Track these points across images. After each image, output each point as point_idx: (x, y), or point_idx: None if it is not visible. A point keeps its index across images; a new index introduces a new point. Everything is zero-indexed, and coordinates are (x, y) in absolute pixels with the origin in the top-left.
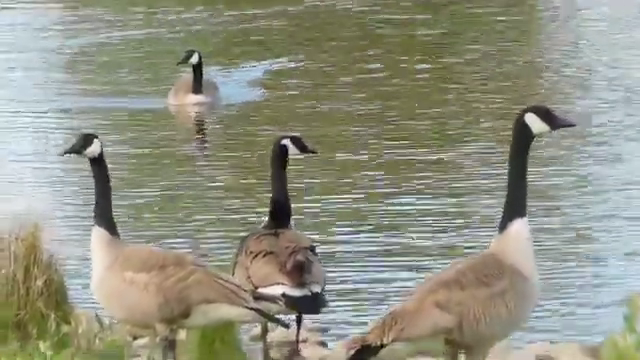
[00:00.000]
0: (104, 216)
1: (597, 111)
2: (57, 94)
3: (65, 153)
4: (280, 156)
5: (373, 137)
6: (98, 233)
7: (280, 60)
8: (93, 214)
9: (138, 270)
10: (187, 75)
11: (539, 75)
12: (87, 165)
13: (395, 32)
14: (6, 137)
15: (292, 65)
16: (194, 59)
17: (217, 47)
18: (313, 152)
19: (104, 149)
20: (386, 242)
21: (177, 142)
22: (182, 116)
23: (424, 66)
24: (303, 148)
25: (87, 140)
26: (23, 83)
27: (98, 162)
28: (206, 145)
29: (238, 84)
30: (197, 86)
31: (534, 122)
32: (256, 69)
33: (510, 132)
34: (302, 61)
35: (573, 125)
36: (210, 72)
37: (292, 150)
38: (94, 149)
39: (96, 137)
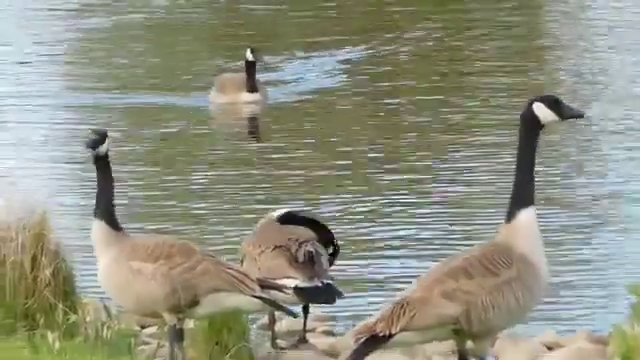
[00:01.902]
0: (106, 210)
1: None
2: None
3: (89, 147)
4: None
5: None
6: (100, 227)
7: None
8: (95, 208)
9: (145, 260)
10: (228, 74)
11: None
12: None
13: None
14: (14, 127)
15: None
16: (249, 55)
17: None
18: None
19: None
20: (396, 232)
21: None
22: (233, 114)
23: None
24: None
25: (103, 137)
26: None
27: (104, 158)
28: (254, 145)
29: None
30: (252, 84)
31: (543, 112)
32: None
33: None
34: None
35: (582, 115)
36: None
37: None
38: (106, 146)
39: (107, 134)
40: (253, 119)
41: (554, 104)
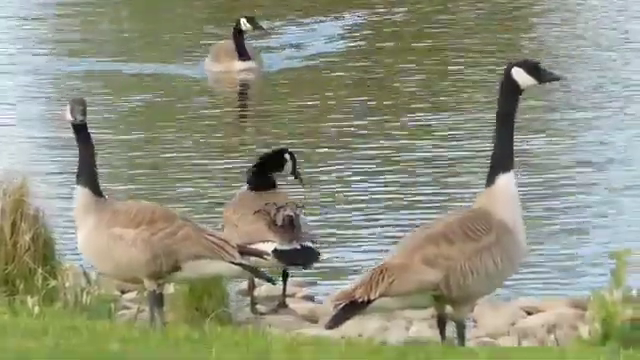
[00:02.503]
0: (88, 177)
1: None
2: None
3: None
4: (275, 163)
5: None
6: (82, 193)
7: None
8: (76, 175)
9: (126, 225)
10: (224, 41)
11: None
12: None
13: None
14: None
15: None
16: (244, 25)
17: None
18: (300, 180)
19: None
20: (380, 194)
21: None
22: (227, 83)
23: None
24: (295, 172)
25: (85, 106)
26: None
27: (83, 126)
28: (243, 113)
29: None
30: (244, 51)
31: (521, 76)
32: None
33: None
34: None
35: (560, 79)
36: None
37: (287, 166)
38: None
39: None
40: (245, 86)
41: (533, 69)
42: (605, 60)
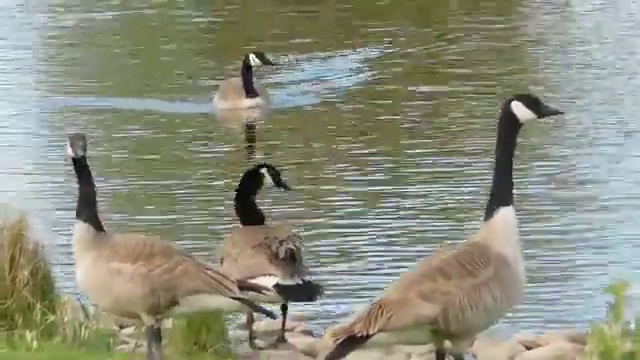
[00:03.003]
0: (89, 211)
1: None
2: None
3: (81, 153)
4: (253, 184)
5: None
6: (82, 228)
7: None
8: (76, 210)
9: (124, 260)
10: (234, 78)
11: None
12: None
13: None
14: None
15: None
16: (252, 61)
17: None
18: (286, 187)
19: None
20: (375, 233)
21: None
22: (233, 120)
23: None
24: (278, 182)
25: (85, 141)
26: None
27: (82, 160)
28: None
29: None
30: (251, 88)
31: (520, 110)
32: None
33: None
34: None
35: (560, 113)
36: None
37: (267, 180)
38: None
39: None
40: (251, 126)
41: (532, 102)
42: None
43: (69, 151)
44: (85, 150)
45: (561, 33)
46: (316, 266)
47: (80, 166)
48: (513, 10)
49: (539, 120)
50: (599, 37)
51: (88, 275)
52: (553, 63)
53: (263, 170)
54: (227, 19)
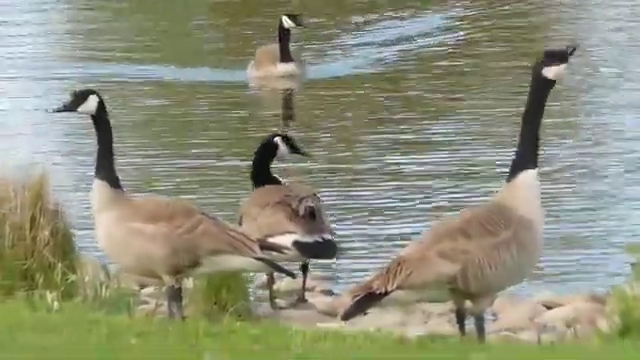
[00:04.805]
0: (107, 169)
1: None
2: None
3: (55, 111)
4: (268, 153)
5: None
6: (101, 186)
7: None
8: (95, 168)
9: (146, 221)
10: (269, 45)
11: None
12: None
13: None
14: (13, 90)
15: None
16: (286, 22)
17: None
18: (303, 154)
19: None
20: (397, 194)
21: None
22: (265, 88)
23: None
24: (294, 149)
25: (81, 97)
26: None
27: (97, 118)
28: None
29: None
30: (286, 52)
31: (551, 70)
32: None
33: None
34: None
35: (576, 46)
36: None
37: (282, 149)
38: (89, 106)
39: (93, 93)
40: (285, 95)
41: (556, 57)
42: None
43: (87, 108)
44: (103, 107)
45: None
46: (340, 227)
47: (99, 123)
48: None
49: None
50: None
51: (109, 235)
52: None
53: (277, 139)
54: None
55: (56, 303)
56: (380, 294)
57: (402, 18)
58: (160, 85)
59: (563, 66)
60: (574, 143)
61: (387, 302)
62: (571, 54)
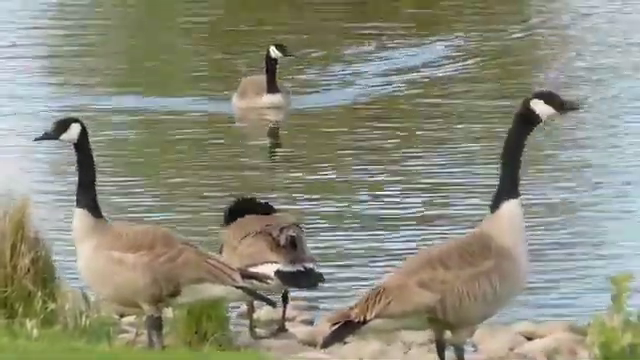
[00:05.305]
0: (88, 198)
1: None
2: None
3: (37, 140)
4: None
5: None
6: (82, 215)
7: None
8: (76, 197)
9: (126, 249)
10: (254, 76)
11: None
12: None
13: None
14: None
15: None
16: (273, 52)
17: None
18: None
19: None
20: (376, 219)
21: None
22: (250, 119)
23: None
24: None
25: (63, 125)
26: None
27: (79, 147)
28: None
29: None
30: (273, 83)
31: (540, 107)
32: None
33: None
34: None
35: (580, 107)
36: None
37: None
38: (71, 135)
39: (76, 121)
40: (272, 127)
41: (552, 99)
42: None
43: (69, 136)
44: (85, 135)
45: None
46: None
47: (80, 151)
48: None
49: (560, 116)
50: None
51: (89, 264)
52: None
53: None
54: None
55: (35, 331)
56: (359, 322)
57: (392, 49)
58: (140, 114)
59: (554, 112)
60: (554, 175)
61: (365, 330)
62: (569, 109)
